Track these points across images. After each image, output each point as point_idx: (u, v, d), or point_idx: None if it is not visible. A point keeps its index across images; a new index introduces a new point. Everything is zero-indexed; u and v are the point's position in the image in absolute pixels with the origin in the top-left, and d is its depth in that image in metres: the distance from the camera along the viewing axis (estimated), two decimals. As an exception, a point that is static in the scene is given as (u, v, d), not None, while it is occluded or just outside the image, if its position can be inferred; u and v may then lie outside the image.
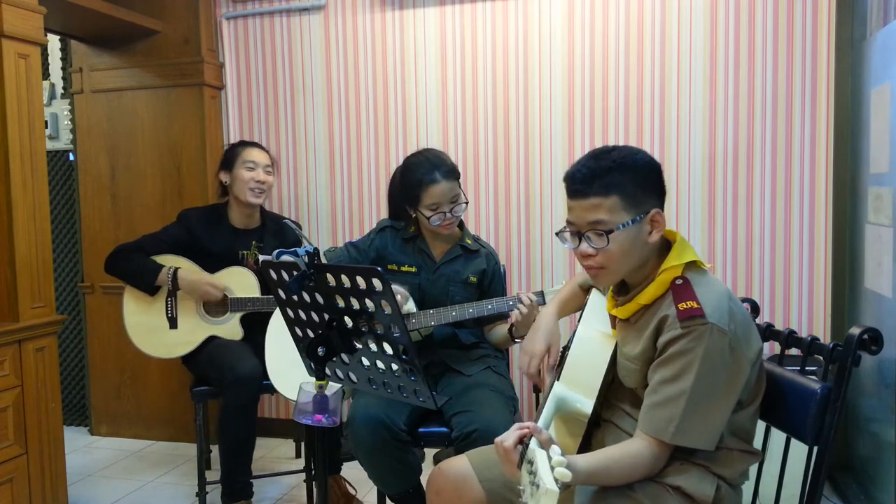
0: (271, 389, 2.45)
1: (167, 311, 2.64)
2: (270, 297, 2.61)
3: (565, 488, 1.10)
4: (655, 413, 1.32)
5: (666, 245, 1.44)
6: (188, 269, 2.63)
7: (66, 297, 3.66)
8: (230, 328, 2.66)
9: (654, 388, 1.34)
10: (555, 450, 1.10)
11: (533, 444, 1.14)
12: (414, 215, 2.24)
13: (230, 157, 2.79)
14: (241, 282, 2.67)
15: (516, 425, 1.27)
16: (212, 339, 2.63)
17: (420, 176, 2.16)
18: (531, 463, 1.10)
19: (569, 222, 1.42)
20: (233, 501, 2.51)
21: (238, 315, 2.66)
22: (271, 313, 2.55)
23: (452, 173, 2.18)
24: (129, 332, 2.66)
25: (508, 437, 1.24)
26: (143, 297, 2.65)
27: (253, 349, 2.56)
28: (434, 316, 2.16)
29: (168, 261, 2.66)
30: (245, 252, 2.76)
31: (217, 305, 2.66)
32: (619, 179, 1.35)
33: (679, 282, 1.36)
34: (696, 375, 1.29)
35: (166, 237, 2.71)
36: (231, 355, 2.51)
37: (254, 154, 2.77)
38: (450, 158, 2.23)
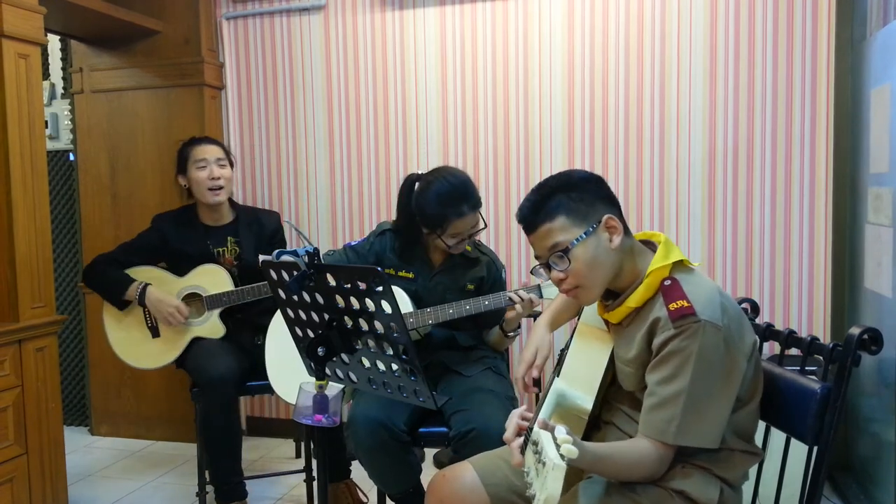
0: (262, 389, 2.45)
1: (147, 321, 2.63)
2: (244, 288, 2.58)
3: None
4: (655, 415, 1.32)
5: (650, 247, 1.45)
6: (158, 288, 2.59)
7: (66, 297, 3.66)
8: (210, 327, 2.62)
9: (651, 390, 1.34)
10: (559, 429, 1.09)
11: (536, 427, 1.13)
12: (427, 232, 2.18)
13: (182, 159, 2.72)
14: (213, 279, 2.64)
15: (515, 412, 1.27)
16: (196, 341, 2.61)
17: (448, 209, 2.08)
18: (536, 444, 1.09)
19: (536, 257, 1.46)
20: (227, 503, 2.50)
21: (216, 312, 2.62)
22: (258, 310, 2.54)
23: (478, 204, 2.13)
24: (114, 347, 2.65)
25: (508, 429, 1.25)
26: (122, 311, 2.63)
27: (232, 347, 2.55)
28: (431, 314, 2.16)
29: (141, 274, 2.64)
30: (221, 249, 2.72)
31: (194, 306, 2.65)
32: (558, 200, 1.40)
33: (668, 282, 1.37)
34: (693, 374, 1.28)
35: (140, 244, 2.69)
36: (206, 357, 2.49)
37: (203, 151, 2.70)
38: (473, 184, 2.17)
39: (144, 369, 2.68)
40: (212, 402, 2.43)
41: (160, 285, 2.62)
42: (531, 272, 1.49)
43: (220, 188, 2.68)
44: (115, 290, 2.60)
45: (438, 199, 2.09)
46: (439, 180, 2.13)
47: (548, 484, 1.01)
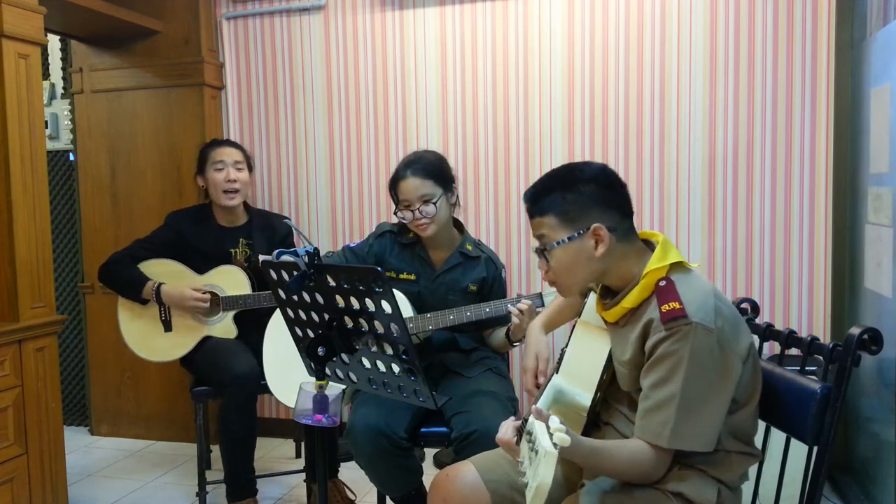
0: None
1: (161, 315, 2.65)
2: (261, 293, 2.62)
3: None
4: (650, 419, 1.32)
5: (649, 247, 1.44)
6: (172, 284, 2.62)
7: (66, 297, 3.66)
8: (224, 327, 2.65)
9: (645, 394, 1.34)
10: (553, 419, 1.10)
11: (531, 418, 1.14)
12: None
13: (202, 160, 2.79)
14: (231, 280, 2.67)
15: (507, 422, 1.29)
16: (207, 340, 2.64)
17: (395, 172, 2.21)
18: (530, 433, 1.09)
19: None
20: (238, 499, 2.51)
21: (231, 313, 2.66)
22: (265, 310, 2.55)
23: (424, 171, 2.15)
24: (126, 339, 2.68)
25: (507, 431, 1.28)
26: (137, 303, 2.66)
27: (247, 347, 2.57)
28: (432, 320, 2.15)
29: (157, 267, 2.67)
30: (234, 250, 2.76)
31: (209, 305, 2.67)
32: (553, 198, 1.41)
33: (663, 283, 1.36)
34: (685, 377, 1.28)
35: (156, 241, 2.72)
36: (227, 354, 2.51)
37: (221, 153, 2.76)
38: (437, 160, 2.21)
39: (155, 362, 2.71)
40: (237, 399, 2.45)
41: (179, 280, 2.66)
42: (534, 251, 1.51)
43: (236, 191, 2.74)
44: (132, 290, 2.64)
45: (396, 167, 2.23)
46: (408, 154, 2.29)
47: (539, 471, 1.01)
